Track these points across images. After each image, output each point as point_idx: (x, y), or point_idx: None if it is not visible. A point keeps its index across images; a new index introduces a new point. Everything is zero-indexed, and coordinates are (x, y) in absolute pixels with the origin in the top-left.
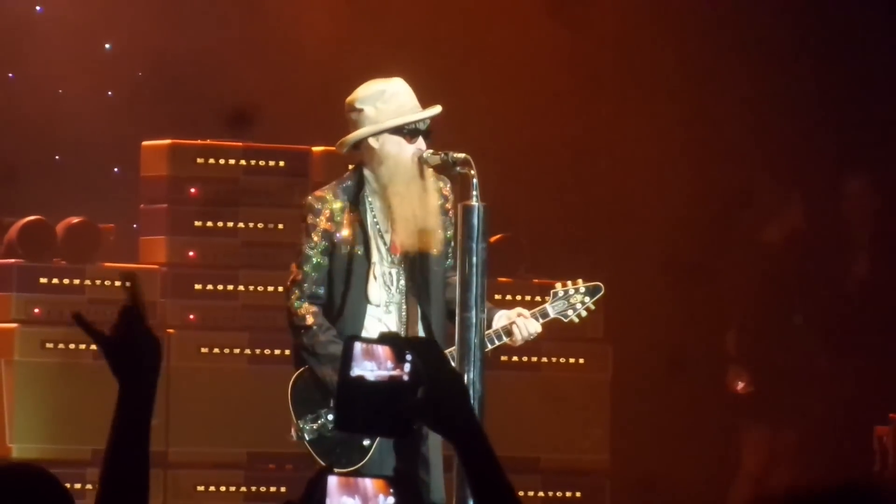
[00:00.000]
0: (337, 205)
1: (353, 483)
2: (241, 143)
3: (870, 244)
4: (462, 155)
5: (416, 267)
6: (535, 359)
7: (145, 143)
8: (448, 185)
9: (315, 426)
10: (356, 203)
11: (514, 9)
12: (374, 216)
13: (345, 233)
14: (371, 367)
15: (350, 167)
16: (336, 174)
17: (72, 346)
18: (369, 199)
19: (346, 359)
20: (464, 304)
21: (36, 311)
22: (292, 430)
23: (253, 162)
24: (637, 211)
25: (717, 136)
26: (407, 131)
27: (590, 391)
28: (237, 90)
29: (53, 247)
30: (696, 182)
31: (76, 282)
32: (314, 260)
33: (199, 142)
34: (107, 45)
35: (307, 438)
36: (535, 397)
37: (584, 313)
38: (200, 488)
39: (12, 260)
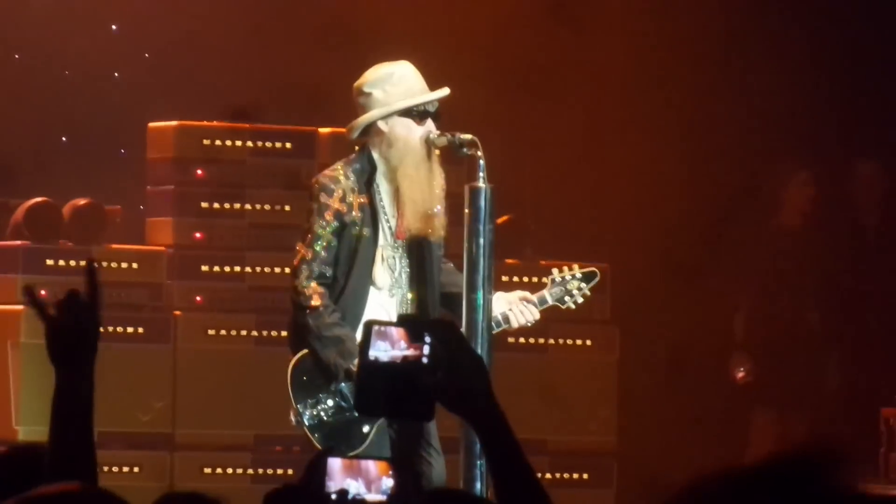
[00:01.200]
0: (348, 185)
1: (356, 465)
2: (247, 125)
3: (877, 228)
4: (469, 136)
5: (416, 251)
6: (542, 340)
7: (152, 124)
8: (442, 175)
9: (315, 411)
10: (366, 185)
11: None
12: (381, 199)
13: (354, 214)
14: (384, 347)
15: (356, 148)
16: (343, 155)
17: None
18: (377, 182)
19: (364, 344)
20: (471, 285)
21: (42, 292)
22: (291, 415)
23: (259, 143)
24: (643, 194)
25: (725, 121)
26: (416, 113)
27: (597, 373)
28: (244, 72)
29: (60, 228)
30: (703, 166)
31: (83, 263)
32: (325, 240)
33: (205, 123)
34: (113, 27)
35: (306, 423)
36: (542, 379)
37: (580, 300)
38: (207, 470)
39: (19, 241)
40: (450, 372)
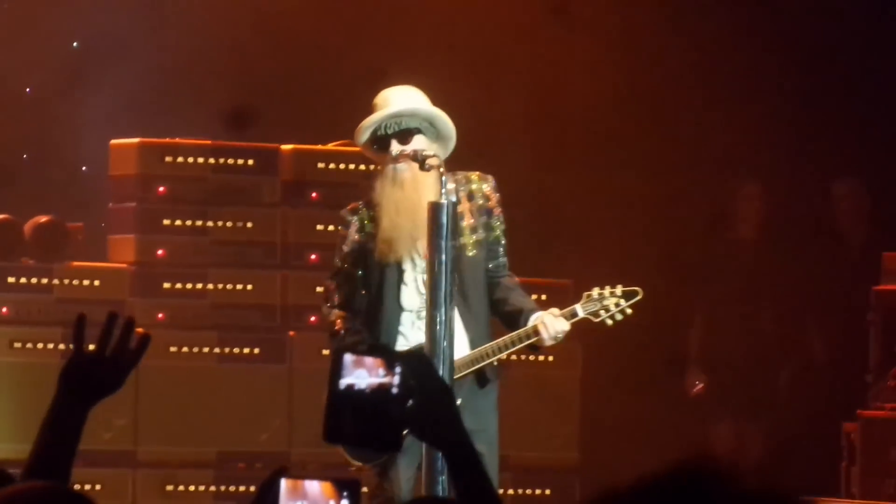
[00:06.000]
0: (369, 215)
1: (302, 486)
2: (209, 142)
3: (864, 244)
4: (431, 152)
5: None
6: (504, 356)
7: (113, 141)
8: (488, 185)
9: None
10: None
11: (507, 7)
12: None
13: (376, 241)
14: (362, 374)
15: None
16: (305, 172)
17: (40, 345)
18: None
19: (335, 371)
20: (432, 302)
21: (4, 310)
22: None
23: (221, 160)
24: (606, 210)
25: (689, 137)
26: (377, 143)
27: (559, 389)
28: (208, 88)
29: (22, 246)
30: (666, 182)
31: (44, 281)
32: (343, 271)
33: (167, 140)
34: (74, 44)
35: None
36: (505, 395)
37: (619, 316)
38: (170, 487)
39: None
40: (418, 401)
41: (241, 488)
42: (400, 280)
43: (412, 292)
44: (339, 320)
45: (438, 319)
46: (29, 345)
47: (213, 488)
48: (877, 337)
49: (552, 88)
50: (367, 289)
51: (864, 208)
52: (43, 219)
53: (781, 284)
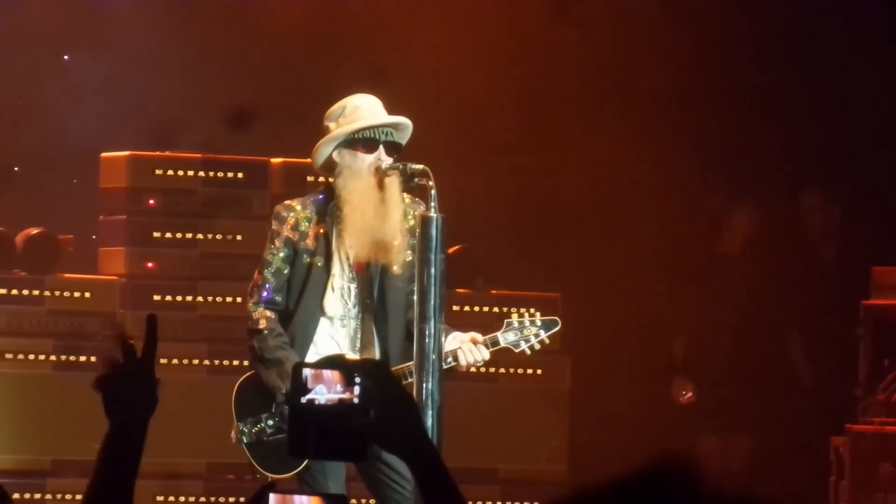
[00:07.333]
0: (304, 214)
1: (290, 502)
2: (199, 155)
3: (836, 256)
4: (420, 166)
5: (376, 284)
6: (493, 370)
7: (104, 154)
8: (421, 208)
9: (254, 430)
10: (323, 215)
11: (477, 17)
12: (341, 230)
13: (308, 243)
14: (321, 390)
15: (321, 179)
16: (294, 185)
17: (31, 356)
18: (336, 213)
19: (296, 386)
20: (422, 314)
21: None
22: (232, 433)
23: (211, 173)
24: (594, 223)
25: (681, 151)
26: (361, 142)
27: (548, 402)
28: (197, 102)
29: (13, 257)
30: (654, 196)
31: (35, 292)
32: (274, 266)
33: (157, 153)
34: (65, 57)
35: (245, 441)
36: (494, 408)
37: (537, 346)
38: (160, 498)
39: None
40: (382, 412)
41: (231, 499)
42: (326, 285)
43: (336, 299)
44: (262, 319)
45: (428, 332)
46: (20, 356)
47: (203, 499)
48: (866, 351)
49: (545, 101)
50: (290, 288)
51: (835, 220)
52: (34, 231)
53: (766, 297)
